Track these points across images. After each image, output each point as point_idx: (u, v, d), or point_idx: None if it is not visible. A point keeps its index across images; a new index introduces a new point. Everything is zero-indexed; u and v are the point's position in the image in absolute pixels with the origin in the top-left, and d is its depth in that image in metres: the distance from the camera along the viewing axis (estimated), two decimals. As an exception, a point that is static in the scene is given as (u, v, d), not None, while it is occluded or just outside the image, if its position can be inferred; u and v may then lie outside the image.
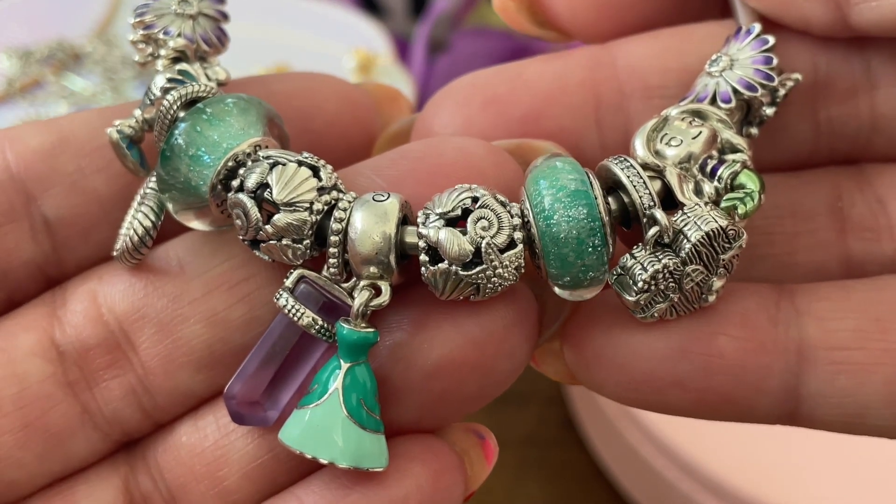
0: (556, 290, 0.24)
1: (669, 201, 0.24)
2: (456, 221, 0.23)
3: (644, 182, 0.24)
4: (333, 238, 0.23)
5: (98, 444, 0.25)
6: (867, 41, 0.27)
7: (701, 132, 0.25)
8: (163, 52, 0.26)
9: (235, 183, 0.24)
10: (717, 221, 0.24)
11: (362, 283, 0.23)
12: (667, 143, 0.25)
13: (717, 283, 0.24)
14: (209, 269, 0.25)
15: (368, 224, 0.23)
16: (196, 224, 0.25)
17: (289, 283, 0.24)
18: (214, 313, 0.25)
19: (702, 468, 0.46)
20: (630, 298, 0.24)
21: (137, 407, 0.25)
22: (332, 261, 0.23)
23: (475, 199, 0.23)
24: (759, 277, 0.27)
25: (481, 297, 0.23)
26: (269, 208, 0.23)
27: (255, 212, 0.23)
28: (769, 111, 0.26)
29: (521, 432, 0.52)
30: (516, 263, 0.23)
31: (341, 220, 0.23)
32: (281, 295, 0.24)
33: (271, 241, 0.23)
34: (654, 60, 0.27)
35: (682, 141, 0.25)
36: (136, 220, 0.25)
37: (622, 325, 0.25)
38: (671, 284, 0.24)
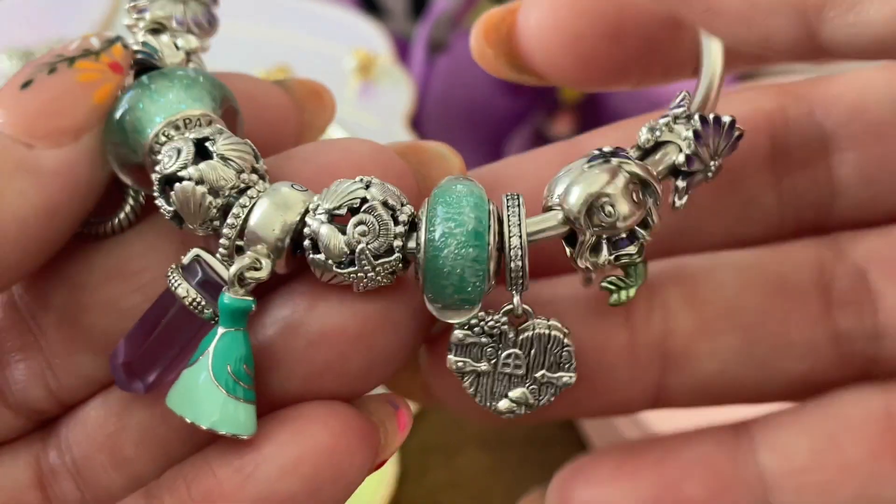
0: (427, 304, 0.24)
1: (571, 239, 0.24)
2: (342, 217, 0.23)
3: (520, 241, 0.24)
4: (230, 220, 0.23)
5: (11, 422, 0.26)
6: (820, 105, 0.27)
7: (636, 214, 0.24)
8: (141, 24, 0.26)
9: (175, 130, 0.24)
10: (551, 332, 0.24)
11: (247, 253, 0.24)
12: (603, 209, 0.24)
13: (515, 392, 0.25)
14: (108, 259, 0.25)
15: (270, 211, 0.23)
16: (130, 181, 0.25)
17: (184, 260, 0.24)
18: (112, 302, 0.25)
19: (702, 468, 0.46)
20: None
21: (45, 388, 0.26)
22: (224, 241, 0.24)
23: (364, 201, 0.23)
24: (759, 359, 0.27)
25: (357, 291, 0.24)
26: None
27: (190, 148, 0.23)
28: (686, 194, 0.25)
29: (521, 432, 0.52)
30: (390, 270, 0.23)
31: (244, 206, 0.23)
32: (171, 269, 0.24)
33: (188, 182, 0.23)
34: None
35: (617, 215, 0.24)
36: None
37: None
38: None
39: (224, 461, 0.24)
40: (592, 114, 0.59)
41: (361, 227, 0.23)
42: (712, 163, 0.25)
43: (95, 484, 0.25)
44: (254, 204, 0.23)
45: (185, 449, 0.25)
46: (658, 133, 0.25)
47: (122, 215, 0.26)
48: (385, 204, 0.23)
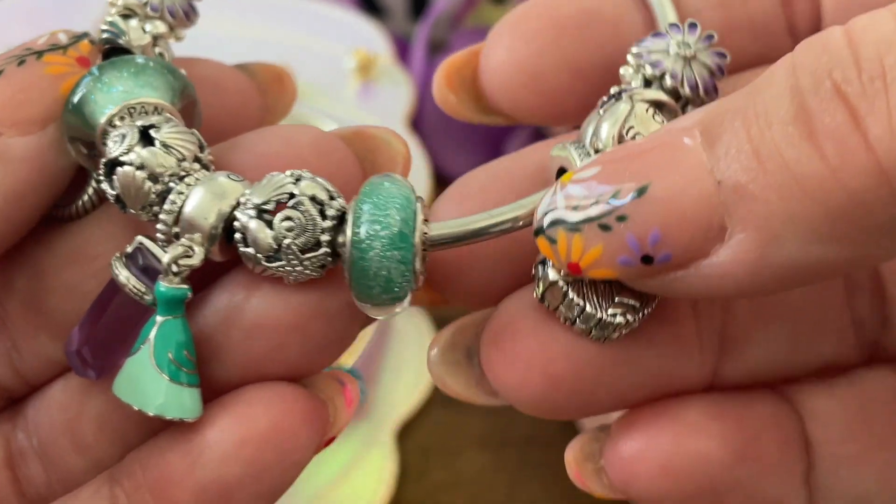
0: (355, 302, 0.24)
1: None
2: (270, 211, 0.23)
3: None
4: (168, 206, 0.24)
5: None
6: None
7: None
8: (113, 10, 0.27)
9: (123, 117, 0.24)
10: None
11: (181, 241, 0.24)
12: (631, 137, 0.24)
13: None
14: (68, 243, 0.26)
15: (206, 200, 0.24)
16: (84, 161, 0.26)
17: (128, 248, 0.25)
18: (72, 286, 0.26)
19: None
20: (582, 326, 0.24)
21: (10, 367, 0.26)
22: (161, 227, 0.24)
23: (292, 196, 0.23)
24: (800, 344, 0.27)
25: (287, 283, 0.24)
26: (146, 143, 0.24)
27: (134, 135, 0.24)
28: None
29: (521, 432, 0.52)
30: (319, 264, 0.24)
31: (181, 192, 0.24)
32: (115, 257, 0.25)
33: (129, 167, 0.24)
34: None
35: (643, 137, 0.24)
36: None
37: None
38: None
39: (173, 447, 0.24)
40: (592, 114, 0.59)
41: (288, 223, 0.23)
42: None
43: (60, 466, 0.26)
44: (190, 192, 0.24)
45: (141, 434, 0.25)
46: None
47: (84, 198, 0.26)
48: (313, 199, 0.23)
